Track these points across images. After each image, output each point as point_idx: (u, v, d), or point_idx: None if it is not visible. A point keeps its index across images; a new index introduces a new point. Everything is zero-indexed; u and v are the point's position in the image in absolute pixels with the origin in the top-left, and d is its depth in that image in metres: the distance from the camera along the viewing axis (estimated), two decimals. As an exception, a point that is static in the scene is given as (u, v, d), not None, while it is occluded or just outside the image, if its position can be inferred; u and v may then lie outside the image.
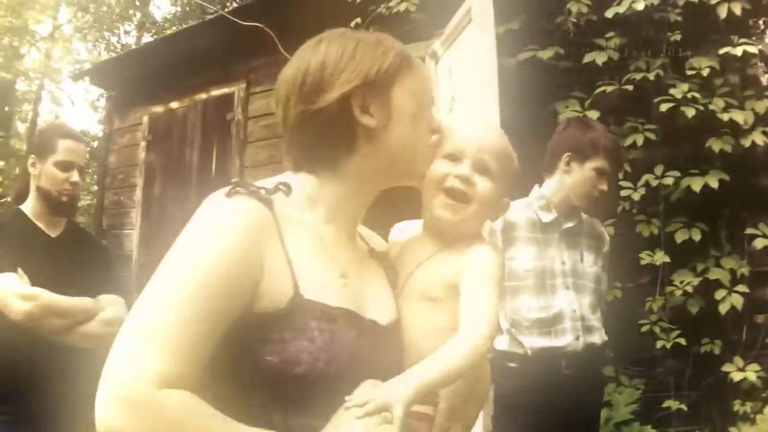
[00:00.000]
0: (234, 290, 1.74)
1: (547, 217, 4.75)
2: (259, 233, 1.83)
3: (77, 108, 57.33)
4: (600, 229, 5.06)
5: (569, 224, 4.78)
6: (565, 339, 4.54)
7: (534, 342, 4.52)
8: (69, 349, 4.15)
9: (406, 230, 2.46)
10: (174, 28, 24.86)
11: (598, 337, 4.71)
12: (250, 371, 1.78)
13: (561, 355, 4.54)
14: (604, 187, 4.73)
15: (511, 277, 4.61)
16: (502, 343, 4.59)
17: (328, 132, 2.03)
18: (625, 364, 6.19)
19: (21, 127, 32.68)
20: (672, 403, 6.66)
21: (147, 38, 28.33)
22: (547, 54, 7.05)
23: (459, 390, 2.15)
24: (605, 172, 4.71)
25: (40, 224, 4.46)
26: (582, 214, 4.90)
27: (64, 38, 31.08)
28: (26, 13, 26.15)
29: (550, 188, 4.85)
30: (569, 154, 4.75)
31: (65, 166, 4.41)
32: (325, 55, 2.04)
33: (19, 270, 4.07)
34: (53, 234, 4.50)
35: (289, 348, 1.76)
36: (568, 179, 4.75)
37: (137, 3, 29.77)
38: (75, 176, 4.43)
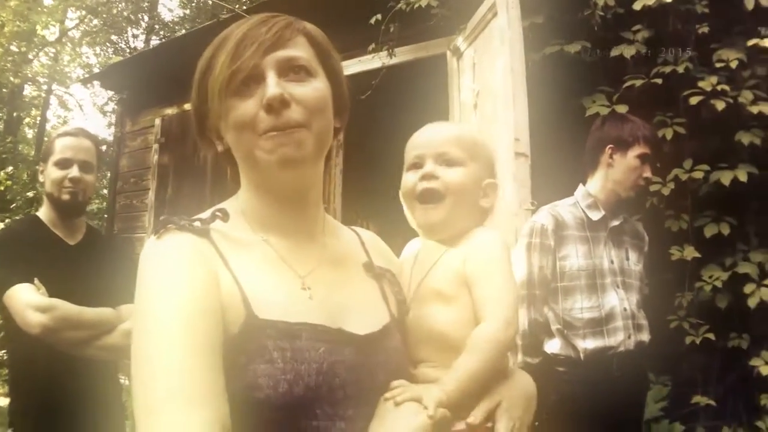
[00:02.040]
0: (212, 325, 1.69)
1: (596, 215, 4.76)
2: (203, 263, 1.78)
3: (86, 112, 57.37)
4: (640, 228, 5.08)
5: (615, 222, 4.80)
6: (618, 338, 4.56)
7: (587, 343, 4.52)
8: (90, 362, 4.10)
9: (415, 245, 2.44)
10: (183, 30, 24.89)
11: (646, 335, 4.74)
12: None
13: (613, 356, 4.54)
14: (649, 173, 4.74)
15: (564, 277, 4.62)
16: (554, 346, 4.60)
17: (221, 159, 2.07)
18: (653, 359, 6.13)
19: (29, 133, 32.75)
20: (700, 399, 6.63)
21: (155, 41, 28.42)
22: (573, 48, 6.98)
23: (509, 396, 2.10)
24: (648, 159, 4.72)
25: (57, 232, 4.43)
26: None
27: (72, 42, 31.13)
28: (34, 17, 26.12)
29: (595, 185, 4.85)
30: (611, 146, 4.75)
31: (63, 164, 4.38)
32: None
33: (36, 281, 3.99)
34: (72, 242, 4.47)
35: (247, 373, 1.69)
36: (613, 172, 4.76)
37: (145, 6, 29.82)
38: (74, 172, 4.37)
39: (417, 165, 2.30)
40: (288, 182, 1.95)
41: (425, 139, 2.33)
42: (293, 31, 1.95)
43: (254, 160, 1.90)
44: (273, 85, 1.84)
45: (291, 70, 1.90)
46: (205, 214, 1.92)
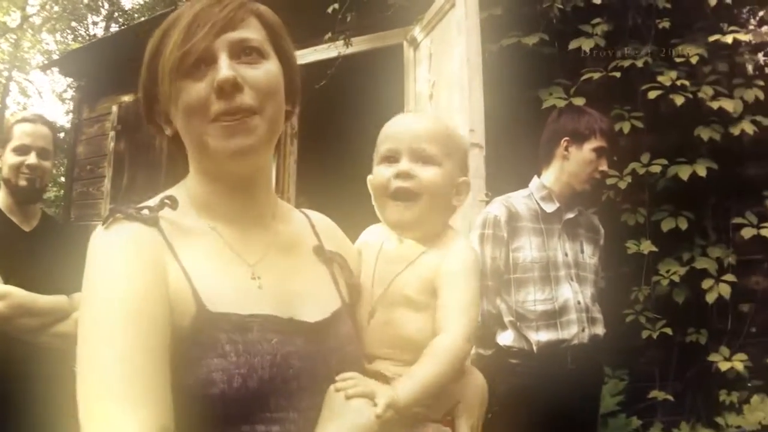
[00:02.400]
0: (158, 319, 1.65)
1: (550, 207, 4.72)
2: (151, 254, 1.73)
3: (45, 99, 57.10)
4: (596, 221, 5.05)
5: (570, 215, 4.76)
6: (571, 331, 4.52)
7: (540, 336, 4.47)
8: (44, 350, 4.06)
9: (377, 232, 2.38)
10: (143, 18, 24.81)
11: (601, 329, 4.71)
12: (174, 396, 1.63)
13: (567, 349, 4.50)
14: (605, 167, 4.72)
15: (517, 269, 4.58)
16: (507, 339, 4.55)
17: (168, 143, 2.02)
18: (609, 354, 6.12)
19: (-13, 119, 32.59)
20: (657, 394, 6.64)
21: (115, 28, 28.33)
22: (531, 40, 6.95)
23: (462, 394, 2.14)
24: (605, 152, 4.70)
25: (12, 218, 4.40)
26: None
27: (32, 29, 30.98)
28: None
29: (549, 178, 4.81)
30: (567, 139, 4.72)
31: (22, 150, 4.38)
32: None
33: None
34: (27, 228, 4.44)
35: (200, 368, 1.65)
36: (568, 165, 4.73)
37: (105, -7, 29.75)
38: (32, 158, 4.37)
39: (391, 159, 2.22)
40: (238, 170, 1.90)
41: (401, 132, 2.25)
42: (246, 12, 1.90)
43: (204, 147, 1.84)
44: (225, 68, 1.78)
45: (243, 51, 1.85)
46: (154, 201, 1.86)
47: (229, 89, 1.77)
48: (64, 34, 31.12)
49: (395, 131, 2.25)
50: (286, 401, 1.75)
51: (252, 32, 1.88)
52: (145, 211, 1.79)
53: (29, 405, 4.02)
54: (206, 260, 1.82)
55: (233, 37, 1.83)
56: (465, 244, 2.24)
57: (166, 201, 1.84)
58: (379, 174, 2.23)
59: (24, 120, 4.50)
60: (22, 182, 4.34)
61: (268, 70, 1.87)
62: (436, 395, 2.00)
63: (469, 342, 2.07)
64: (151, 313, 1.63)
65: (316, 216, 2.31)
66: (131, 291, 1.63)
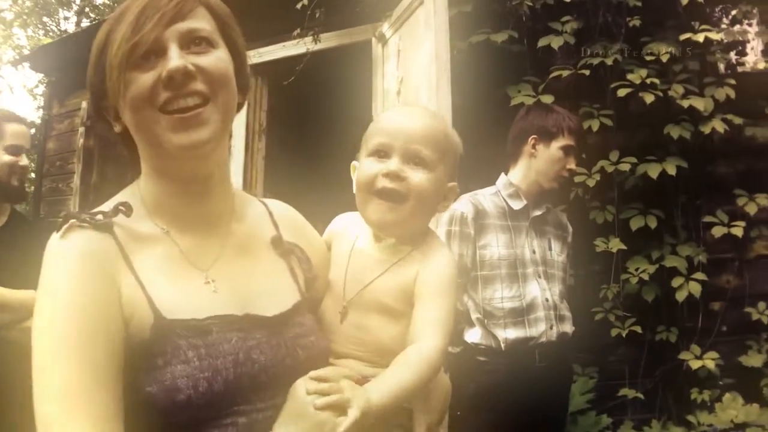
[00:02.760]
0: (110, 332, 1.65)
1: (517, 204, 4.71)
2: (104, 265, 1.72)
3: (16, 95, 56.92)
4: (564, 218, 5.05)
5: (538, 212, 4.75)
6: (539, 328, 4.51)
7: (508, 333, 4.46)
8: (14, 345, 3.99)
9: (349, 222, 2.35)
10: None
11: (569, 327, 4.71)
12: (139, 406, 1.65)
13: (535, 347, 4.50)
14: (573, 165, 4.72)
15: (484, 266, 4.56)
16: (474, 336, 4.54)
17: (116, 140, 1.96)
18: (579, 352, 6.11)
19: (-42, 115, 32.45)
20: (627, 391, 6.68)
21: (87, 23, 28.25)
22: (500, 37, 6.95)
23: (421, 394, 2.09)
24: (572, 150, 4.70)
25: None
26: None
27: (4, 24, 30.86)
28: (-34, -2, 25.89)
29: (517, 175, 4.81)
30: (534, 136, 4.72)
31: (14, 151, 4.40)
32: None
33: None
34: None
35: (165, 375, 1.65)
36: (535, 163, 4.72)
37: (76, -12, 29.66)
38: (24, 160, 4.43)
39: (381, 154, 2.15)
40: (193, 167, 1.88)
41: (397, 128, 2.16)
42: (194, 2, 1.86)
43: (156, 142, 1.81)
44: (176, 57, 1.75)
45: (192, 42, 1.82)
46: (108, 206, 1.83)
47: (180, 78, 1.74)
48: (36, 29, 31.04)
49: (391, 126, 2.18)
50: (255, 394, 1.75)
51: (201, 22, 1.85)
52: (99, 217, 1.77)
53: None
54: (160, 268, 1.81)
55: (183, 27, 1.79)
56: (445, 253, 2.20)
57: (121, 207, 1.81)
58: (367, 168, 2.17)
59: (14, 120, 4.51)
60: (15, 182, 4.40)
61: (219, 57, 1.85)
62: (403, 403, 1.99)
63: (444, 354, 2.03)
64: (102, 326, 1.63)
65: (276, 205, 2.28)
66: (82, 304, 1.63)
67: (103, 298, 1.66)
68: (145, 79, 1.75)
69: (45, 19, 30.18)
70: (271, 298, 1.95)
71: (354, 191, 2.25)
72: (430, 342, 1.99)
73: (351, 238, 2.27)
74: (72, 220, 1.75)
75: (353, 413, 1.74)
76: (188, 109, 1.77)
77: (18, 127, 4.45)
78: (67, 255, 1.71)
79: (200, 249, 1.91)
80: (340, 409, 1.75)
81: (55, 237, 1.75)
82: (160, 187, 1.91)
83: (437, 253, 2.16)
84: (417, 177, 2.10)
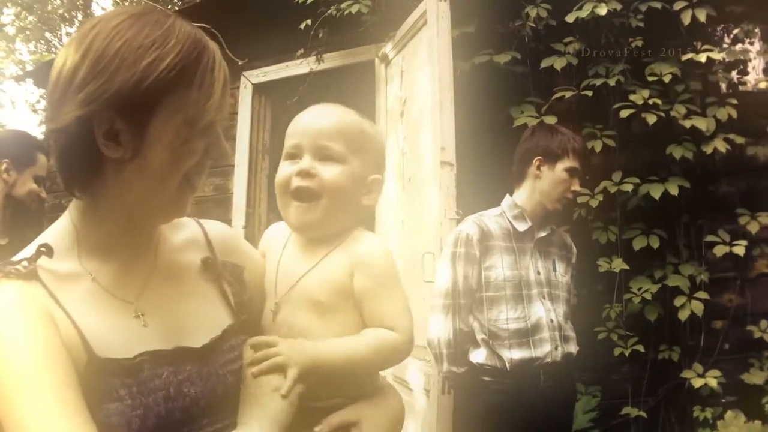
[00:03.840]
0: (66, 368, 1.60)
1: (522, 226, 4.74)
2: (38, 308, 1.65)
3: (18, 109, 56.84)
4: (568, 239, 5.08)
5: (542, 233, 4.79)
6: (544, 349, 4.54)
7: (513, 354, 4.48)
8: None
9: (280, 228, 2.33)
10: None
11: (574, 347, 4.74)
12: None
13: (540, 367, 4.52)
14: (577, 187, 4.76)
15: (489, 287, 4.60)
16: (480, 356, 4.57)
17: (71, 155, 1.74)
18: (582, 371, 6.13)
19: (-41, 129, 32.33)
20: (630, 410, 6.67)
21: (89, 40, 28.24)
22: (503, 58, 6.96)
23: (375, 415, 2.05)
24: (577, 172, 4.73)
25: None
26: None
27: (6, 39, 30.83)
28: (-31, 13, 25.88)
29: (522, 196, 4.84)
30: (539, 158, 4.75)
31: (38, 180, 4.52)
32: (84, 52, 1.68)
33: None
34: (2, 241, 4.45)
35: (99, 412, 1.60)
36: (540, 184, 4.76)
37: (80, 4, 29.60)
38: (44, 192, 4.58)
39: (293, 156, 2.15)
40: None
41: (303, 128, 2.16)
42: None
43: (164, 210, 1.84)
44: (224, 143, 1.85)
45: None
46: (30, 251, 1.76)
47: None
48: (38, 45, 31.01)
49: (298, 126, 2.17)
50: (188, 426, 1.75)
51: None
52: (24, 263, 1.71)
53: None
54: (88, 306, 1.75)
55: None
56: (378, 244, 2.19)
57: (42, 249, 1.75)
58: (281, 171, 2.16)
59: (42, 150, 4.58)
60: (35, 205, 4.56)
61: None
62: (351, 378, 2.00)
63: (411, 345, 2.07)
64: (59, 364, 1.59)
65: (212, 225, 2.22)
66: (33, 348, 1.59)
67: (52, 338, 1.62)
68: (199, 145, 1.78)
69: (47, 34, 30.12)
70: (200, 326, 1.93)
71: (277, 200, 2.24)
72: (403, 331, 2.03)
73: (282, 242, 2.27)
74: None
75: (292, 372, 1.79)
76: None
77: (44, 159, 4.53)
78: (2, 307, 1.65)
79: (125, 279, 1.85)
80: (280, 371, 1.80)
81: None
82: (102, 218, 1.83)
83: (369, 245, 2.15)
84: (329, 172, 2.09)
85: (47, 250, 1.75)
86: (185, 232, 2.11)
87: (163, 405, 1.69)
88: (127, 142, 1.68)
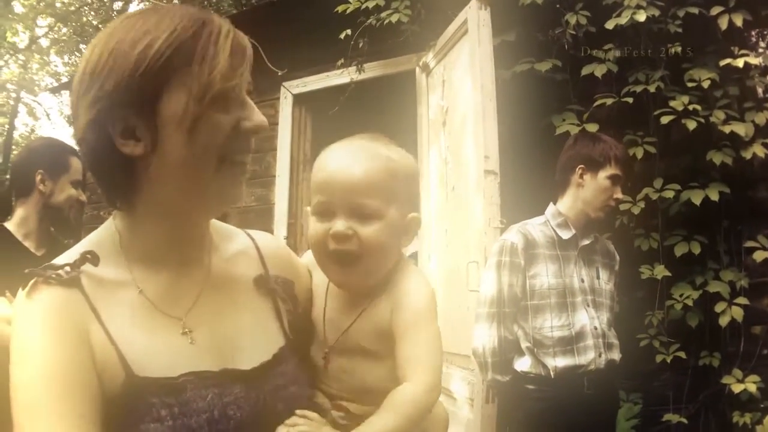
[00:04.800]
0: (87, 389, 1.57)
1: (566, 234, 4.74)
2: (73, 322, 1.62)
3: (53, 121, 57.04)
4: (611, 247, 5.07)
5: (586, 241, 4.79)
6: (588, 356, 4.54)
7: (557, 362, 4.50)
8: None
9: None
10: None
11: (617, 354, 4.73)
12: None
13: (584, 374, 4.53)
14: (620, 195, 4.75)
15: (534, 295, 4.60)
16: (524, 364, 4.59)
17: (99, 164, 1.72)
18: (624, 378, 6.13)
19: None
20: (671, 417, 6.63)
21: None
22: (544, 66, 6.98)
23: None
24: (620, 180, 4.73)
25: (27, 243, 4.40)
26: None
27: (40, 51, 30.94)
28: (5, 24, 25.92)
29: (565, 205, 4.85)
30: (582, 166, 4.75)
31: (76, 185, 4.47)
32: (86, 62, 1.69)
33: (7, 293, 3.97)
34: (39, 253, 4.42)
35: None
36: (583, 192, 4.75)
37: (114, 15, 29.66)
38: (83, 195, 4.51)
39: (325, 214, 2.00)
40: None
41: (333, 184, 2.00)
42: None
43: (201, 198, 1.77)
44: (257, 114, 1.78)
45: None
46: (74, 255, 1.72)
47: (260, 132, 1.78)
48: (72, 56, 31.09)
49: (327, 181, 2.01)
50: None
51: None
52: (67, 269, 1.68)
53: None
54: (132, 320, 1.71)
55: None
56: (417, 282, 2.08)
57: (87, 256, 1.71)
58: (314, 230, 2.03)
59: (76, 154, 4.54)
60: (73, 214, 4.48)
61: None
62: None
63: (434, 391, 1.94)
64: (79, 383, 1.56)
65: (264, 238, 2.17)
66: (56, 366, 1.55)
67: (77, 354, 1.59)
68: (228, 120, 1.73)
69: (81, 46, 30.23)
70: (252, 346, 1.87)
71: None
72: (415, 382, 1.90)
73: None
74: (36, 278, 1.66)
75: None
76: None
77: (78, 162, 4.48)
78: (33, 316, 1.62)
79: (174, 292, 1.81)
80: None
81: (21, 297, 1.67)
82: (150, 225, 1.79)
83: (408, 285, 2.06)
84: (367, 232, 1.97)
85: (92, 257, 1.72)
86: (236, 244, 2.07)
87: (206, 428, 1.63)
88: (143, 135, 1.66)
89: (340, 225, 1.96)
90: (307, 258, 2.24)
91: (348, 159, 2.03)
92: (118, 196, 1.76)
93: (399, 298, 2.03)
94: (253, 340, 1.89)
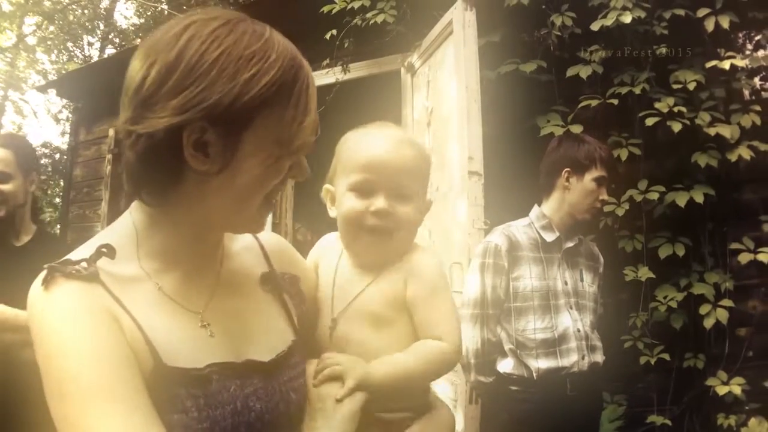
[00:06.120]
0: (137, 371, 1.55)
1: (550, 236, 4.74)
2: (101, 309, 1.59)
3: (40, 119, 56.88)
4: (595, 249, 5.07)
5: (570, 244, 4.78)
6: (571, 359, 4.54)
7: (540, 363, 4.49)
8: (28, 365, 4.00)
9: (332, 240, 2.34)
10: (139, 38, 24.74)
11: (600, 356, 4.73)
12: None
13: (566, 376, 4.52)
14: (605, 196, 4.76)
15: (517, 297, 4.60)
16: (507, 366, 4.57)
17: (152, 161, 1.67)
18: (608, 380, 6.13)
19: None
20: (655, 418, 6.64)
21: (111, 50, 28.25)
22: (529, 67, 6.99)
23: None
24: (605, 181, 4.72)
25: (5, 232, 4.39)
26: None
27: (28, 49, 30.89)
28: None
29: (550, 207, 4.84)
30: (568, 169, 4.74)
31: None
32: (177, 55, 1.61)
33: None
34: (17, 243, 4.41)
35: (163, 424, 1.54)
36: (569, 195, 4.75)
37: (102, 13, 29.66)
38: (8, 186, 4.34)
39: (366, 192, 2.10)
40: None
41: (380, 164, 2.10)
42: None
43: (239, 219, 1.78)
44: (306, 164, 1.82)
45: None
46: (89, 250, 1.69)
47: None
48: (60, 54, 31.06)
49: (373, 161, 2.11)
50: None
51: None
52: (84, 264, 1.65)
53: (12, 421, 3.93)
54: (153, 312, 1.70)
55: None
56: (429, 258, 2.20)
57: (103, 250, 1.70)
58: (351, 206, 2.13)
59: None
60: (1, 212, 4.32)
61: None
62: (410, 393, 2.06)
63: (459, 352, 2.10)
64: (126, 361, 1.54)
65: (267, 238, 2.18)
66: (101, 349, 1.53)
67: (115, 336, 1.57)
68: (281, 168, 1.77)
69: (69, 44, 30.18)
70: (266, 340, 1.90)
71: (339, 228, 2.23)
72: (450, 340, 2.05)
73: (336, 255, 2.26)
74: (55, 273, 1.61)
75: (349, 383, 1.85)
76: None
77: (2, 153, 4.37)
78: (62, 305, 1.58)
79: (190, 288, 1.81)
80: (338, 380, 1.87)
81: (39, 292, 1.62)
82: (167, 234, 1.79)
83: (420, 259, 2.17)
84: (404, 210, 2.11)
85: (108, 251, 1.70)
86: (240, 241, 2.08)
87: (230, 419, 1.66)
88: (216, 155, 1.64)
89: (380, 203, 2.09)
90: (316, 251, 2.37)
91: (393, 143, 2.15)
92: (151, 192, 1.74)
93: (413, 269, 2.14)
94: (267, 334, 1.93)
